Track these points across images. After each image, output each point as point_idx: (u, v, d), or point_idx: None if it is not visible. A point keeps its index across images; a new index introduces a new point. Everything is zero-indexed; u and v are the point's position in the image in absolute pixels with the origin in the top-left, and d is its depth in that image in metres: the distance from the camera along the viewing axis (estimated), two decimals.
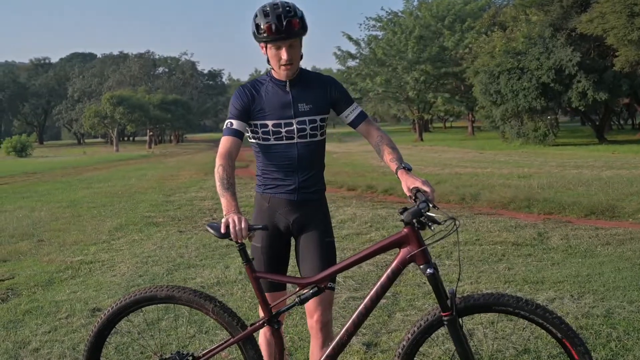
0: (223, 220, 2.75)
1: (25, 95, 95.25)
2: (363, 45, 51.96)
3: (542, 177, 14.68)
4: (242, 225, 2.70)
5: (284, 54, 2.99)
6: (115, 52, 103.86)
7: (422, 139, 48.72)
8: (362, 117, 3.23)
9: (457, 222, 2.73)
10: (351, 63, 53.66)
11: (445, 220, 2.72)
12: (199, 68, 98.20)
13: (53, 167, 32.12)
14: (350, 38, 51.47)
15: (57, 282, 6.73)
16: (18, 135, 61.05)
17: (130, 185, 18.35)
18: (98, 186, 18.62)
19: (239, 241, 2.74)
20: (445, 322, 2.72)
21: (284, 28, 2.91)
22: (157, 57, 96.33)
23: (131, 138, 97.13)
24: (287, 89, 3.13)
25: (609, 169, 16.84)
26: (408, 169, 2.95)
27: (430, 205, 2.72)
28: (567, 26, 29.68)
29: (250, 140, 3.25)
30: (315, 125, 3.14)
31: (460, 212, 10.36)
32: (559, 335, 2.66)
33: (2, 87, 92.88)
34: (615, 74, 28.70)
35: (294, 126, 3.10)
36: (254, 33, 3.03)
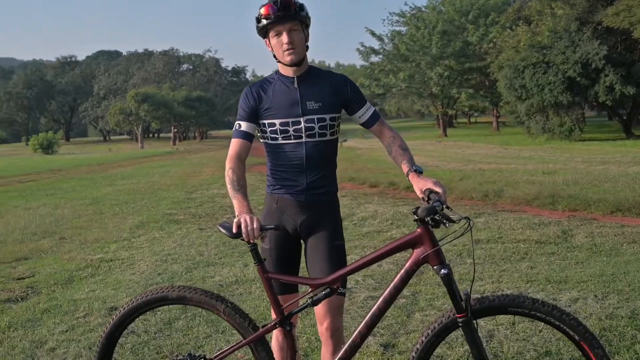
0: (235, 220, 2.72)
1: (52, 93, 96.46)
2: (386, 40, 51.79)
3: (567, 173, 14.44)
4: (254, 225, 2.67)
5: (285, 38, 2.95)
6: (140, 50, 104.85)
7: (446, 135, 48.40)
8: (375, 117, 3.17)
9: (471, 222, 2.66)
10: (374, 59, 53.56)
11: (460, 219, 2.66)
12: (223, 65, 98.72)
13: (78, 164, 32.46)
14: (373, 34, 51.27)
15: (76, 280, 6.75)
16: (45, 133, 61.81)
17: (153, 182, 18.46)
18: (121, 183, 18.76)
19: (251, 241, 2.71)
20: (460, 325, 2.65)
21: (280, 6, 2.90)
22: (181, 54, 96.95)
23: (156, 135, 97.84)
24: (295, 85, 3.07)
25: (636, 164, 16.54)
26: (419, 172, 2.89)
27: (444, 206, 2.65)
28: (593, 19, 29.22)
29: (260, 141, 3.20)
30: (325, 124, 3.07)
31: (483, 209, 10.23)
32: (576, 337, 2.57)
33: (30, 85, 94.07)
34: None
35: (302, 125, 3.04)
36: (256, 28, 3.02)
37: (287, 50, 2.97)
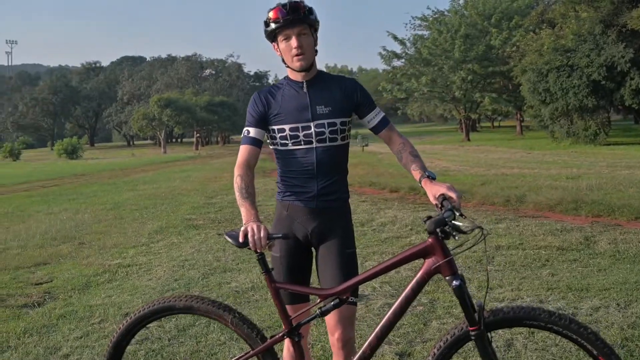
0: (242, 229, 2.67)
1: (77, 98, 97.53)
2: (408, 44, 51.55)
3: (591, 178, 14.20)
4: (261, 234, 2.61)
5: (293, 42, 2.90)
6: (164, 55, 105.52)
7: (468, 139, 48.07)
8: (384, 123, 3.11)
9: (484, 232, 2.58)
10: (396, 63, 53.29)
11: (472, 230, 2.58)
12: (245, 70, 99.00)
13: (101, 169, 32.72)
14: (395, 38, 51.10)
15: (93, 285, 6.75)
16: (69, 138, 62.47)
17: (173, 187, 18.51)
18: (143, 188, 18.85)
19: (258, 250, 2.66)
20: (473, 337, 2.57)
21: (289, 10, 2.86)
22: (204, 59, 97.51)
23: (179, 140, 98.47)
24: (305, 90, 3.02)
25: None
26: (432, 178, 2.81)
27: (457, 214, 2.58)
28: (617, 22, 28.82)
29: (270, 147, 3.15)
30: (335, 129, 3.01)
31: (505, 215, 10.09)
32: (594, 352, 2.48)
33: (55, 91, 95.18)
34: None
35: (312, 130, 2.99)
36: (265, 32, 2.98)
37: (296, 55, 2.92)
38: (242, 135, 3.05)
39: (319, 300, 2.77)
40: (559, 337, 4.26)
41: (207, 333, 4.91)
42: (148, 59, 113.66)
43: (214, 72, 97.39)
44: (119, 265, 7.64)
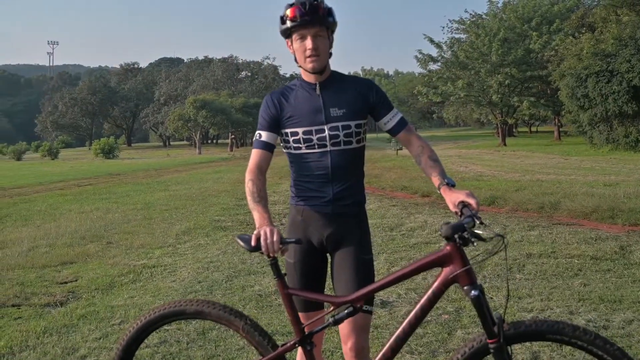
0: (255, 232, 2.58)
1: (115, 98, 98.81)
2: (445, 48, 51.05)
3: (629, 186, 13.82)
4: (274, 239, 2.53)
5: (308, 43, 2.80)
6: (201, 57, 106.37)
7: (505, 144, 47.41)
8: (402, 124, 2.99)
9: (505, 240, 2.45)
10: (433, 66, 52.82)
11: (492, 238, 2.45)
12: (281, 72, 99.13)
13: (136, 168, 33.03)
14: (432, 41, 50.62)
15: (117, 286, 6.74)
16: (106, 138, 63.33)
17: (205, 188, 18.55)
18: (175, 189, 18.93)
19: (271, 255, 2.57)
20: (492, 350, 2.44)
21: (308, 9, 2.75)
22: (240, 61, 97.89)
23: (214, 141, 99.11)
24: (318, 92, 2.91)
25: None
26: (451, 185, 2.70)
27: (477, 222, 2.45)
28: None
29: (283, 151, 3.06)
30: (350, 131, 2.90)
31: (538, 222, 9.85)
32: None
33: (94, 92, 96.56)
34: None
35: (326, 133, 2.88)
36: (280, 28, 2.87)
37: (310, 56, 2.83)
38: (254, 139, 2.96)
39: (331, 308, 2.67)
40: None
41: (226, 337, 4.84)
42: (185, 60, 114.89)
43: (249, 74, 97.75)
44: (144, 266, 7.62)
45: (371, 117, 3.02)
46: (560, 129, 52.25)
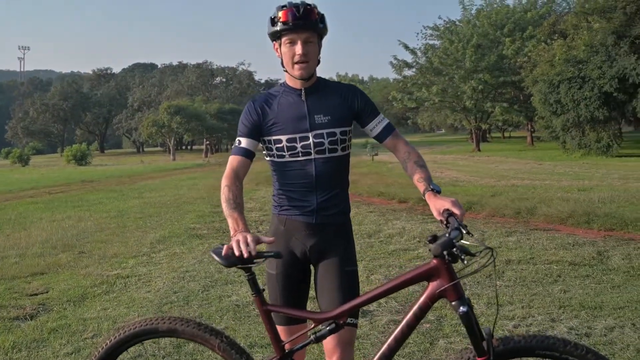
0: (228, 243, 2.42)
1: (87, 104, 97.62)
2: (419, 54, 51.30)
3: (603, 190, 13.92)
4: (249, 240, 2.34)
5: (298, 49, 2.69)
6: (175, 62, 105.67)
7: (479, 149, 47.72)
8: (388, 130, 2.89)
9: (494, 253, 2.36)
10: (407, 72, 53.03)
11: (480, 251, 2.37)
12: (256, 78, 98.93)
13: (109, 175, 32.62)
14: (406, 47, 50.84)
15: (89, 297, 6.55)
16: (78, 144, 62.50)
17: (179, 195, 18.34)
18: (149, 196, 18.68)
19: (245, 256, 2.36)
20: None
21: (301, 14, 2.64)
22: (214, 67, 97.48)
23: (188, 147, 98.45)
24: (303, 98, 2.81)
25: None
26: (437, 191, 2.61)
27: (464, 232, 2.36)
28: (630, 33, 28.53)
29: (265, 158, 2.94)
30: (335, 139, 2.80)
31: (515, 227, 9.86)
32: None
33: (66, 97, 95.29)
34: None
35: (310, 140, 2.78)
36: (268, 29, 2.75)
37: (299, 62, 2.72)
38: (233, 145, 2.83)
39: (313, 325, 2.56)
40: None
41: (203, 350, 4.70)
42: (159, 66, 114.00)
43: (224, 79, 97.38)
44: (117, 276, 7.43)
45: (357, 123, 2.92)
46: (533, 135, 52.76)
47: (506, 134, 77.70)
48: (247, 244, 2.34)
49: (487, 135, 69.06)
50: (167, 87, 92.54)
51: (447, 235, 2.34)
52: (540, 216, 10.71)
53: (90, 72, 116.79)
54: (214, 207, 14.49)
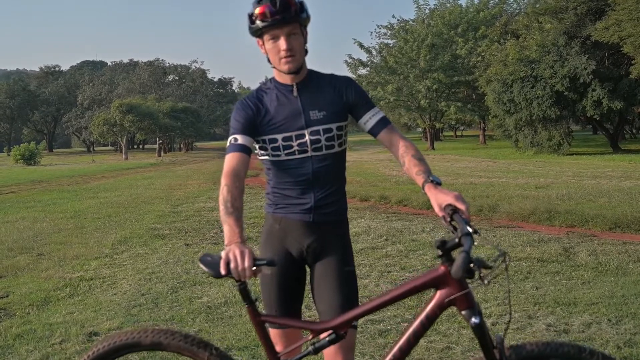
0: (223, 253, 2.27)
1: (35, 103, 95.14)
2: (374, 53, 51.59)
3: (560, 188, 14.18)
4: (246, 263, 2.22)
5: (282, 44, 2.56)
6: (126, 60, 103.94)
7: (433, 148, 48.23)
8: (383, 123, 2.75)
9: (507, 258, 2.26)
10: (362, 71, 53.24)
11: (496, 260, 2.24)
12: (209, 76, 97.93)
13: (60, 175, 31.80)
14: (361, 46, 51.11)
15: (53, 301, 6.31)
16: (26, 144, 60.80)
17: (137, 195, 17.97)
18: (104, 196, 18.25)
19: (242, 280, 2.28)
20: None
21: (279, 7, 2.51)
22: (167, 65, 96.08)
23: (141, 146, 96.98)
24: (295, 94, 2.69)
25: (627, 179, 16.36)
26: (437, 183, 2.47)
27: (475, 236, 2.19)
28: (581, 34, 29.20)
29: (259, 158, 2.82)
30: (331, 135, 2.70)
31: (479, 225, 9.90)
32: None
33: (13, 95, 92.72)
34: (630, 82, 28.16)
35: (307, 138, 2.67)
36: (249, 27, 2.63)
37: (285, 57, 2.59)
38: (228, 143, 2.66)
39: (310, 336, 2.44)
40: None
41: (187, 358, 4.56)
42: (109, 63, 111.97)
43: (177, 77, 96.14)
44: (80, 279, 7.19)
45: (351, 116, 2.80)
46: (485, 133, 53.57)
47: (458, 133, 78.79)
48: (242, 264, 2.23)
49: (440, 134, 69.90)
50: (118, 85, 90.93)
51: (456, 241, 2.18)
52: (502, 213, 10.81)
53: (38, 70, 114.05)
54: (173, 206, 14.25)
